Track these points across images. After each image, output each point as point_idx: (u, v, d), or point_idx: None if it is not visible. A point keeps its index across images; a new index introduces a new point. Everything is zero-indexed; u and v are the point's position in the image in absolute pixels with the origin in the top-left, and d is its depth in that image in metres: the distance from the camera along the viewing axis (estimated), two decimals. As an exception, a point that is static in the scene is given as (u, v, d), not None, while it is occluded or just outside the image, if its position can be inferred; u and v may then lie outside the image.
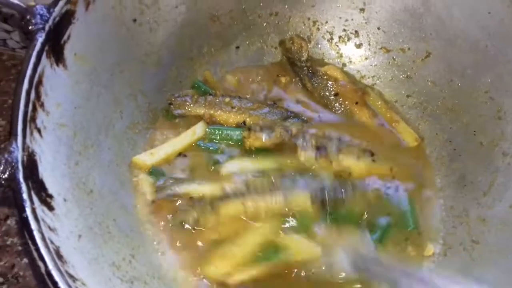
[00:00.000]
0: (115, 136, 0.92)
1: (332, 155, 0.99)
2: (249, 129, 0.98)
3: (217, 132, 1.00)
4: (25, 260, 0.99)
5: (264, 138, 0.97)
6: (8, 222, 1.03)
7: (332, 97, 1.10)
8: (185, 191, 0.95)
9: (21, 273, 0.97)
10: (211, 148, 1.00)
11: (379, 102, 1.11)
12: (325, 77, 1.11)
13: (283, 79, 1.12)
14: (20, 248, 1.00)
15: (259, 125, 0.99)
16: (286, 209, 0.90)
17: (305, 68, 1.12)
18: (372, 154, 1.03)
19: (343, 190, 0.93)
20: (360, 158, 0.99)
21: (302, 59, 1.12)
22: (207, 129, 1.00)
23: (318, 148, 0.98)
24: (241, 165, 0.96)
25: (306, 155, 0.98)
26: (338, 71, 1.12)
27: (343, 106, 1.09)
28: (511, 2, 0.93)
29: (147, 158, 0.95)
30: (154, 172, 0.96)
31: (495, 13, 0.96)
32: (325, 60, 1.18)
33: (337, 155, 0.99)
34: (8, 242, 1.01)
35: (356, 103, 1.09)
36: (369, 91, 1.12)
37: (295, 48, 1.12)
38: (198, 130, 1.00)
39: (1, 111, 1.20)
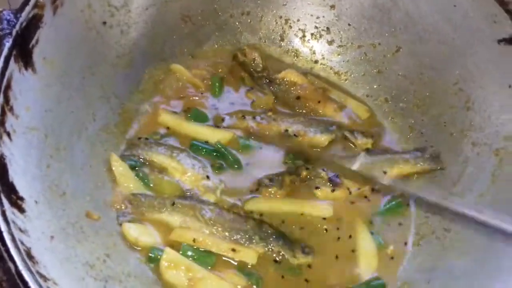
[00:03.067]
0: (88, 138, 0.92)
1: (348, 181, 0.99)
2: (259, 184, 0.97)
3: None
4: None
5: (276, 189, 0.96)
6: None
7: (295, 100, 1.10)
8: (151, 158, 0.96)
9: (5, 278, 0.97)
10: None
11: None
12: (284, 82, 1.11)
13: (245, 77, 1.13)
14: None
15: (268, 177, 0.98)
16: (231, 257, 0.88)
17: (262, 77, 1.12)
18: (372, 136, 1.07)
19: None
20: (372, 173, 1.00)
21: (258, 69, 1.12)
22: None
23: (330, 180, 0.98)
24: (266, 204, 0.96)
25: (323, 193, 0.98)
26: (295, 74, 1.12)
27: (307, 107, 1.10)
28: (473, -7, 0.95)
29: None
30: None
31: (459, 6, 0.98)
32: (299, 56, 1.19)
33: (351, 178, 1.00)
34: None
35: (319, 101, 1.10)
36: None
37: (248, 59, 1.13)
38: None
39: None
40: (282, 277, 0.88)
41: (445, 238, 0.92)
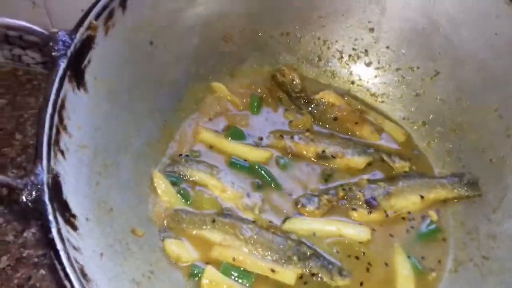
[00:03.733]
0: (133, 154, 0.94)
1: (384, 203, 1.00)
2: (297, 204, 0.99)
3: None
4: (42, 271, 1.01)
5: (313, 209, 0.98)
6: (25, 234, 1.06)
7: (332, 121, 1.12)
8: (191, 174, 0.99)
9: (37, 284, 1.00)
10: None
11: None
12: (322, 103, 1.12)
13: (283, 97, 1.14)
14: (36, 260, 1.03)
15: (305, 197, 0.99)
16: (269, 277, 0.89)
17: (300, 98, 1.13)
18: (409, 159, 1.07)
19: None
20: (409, 196, 1.01)
21: (296, 90, 1.14)
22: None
23: (367, 202, 0.99)
24: (303, 224, 0.97)
25: (359, 215, 0.99)
26: (333, 96, 1.13)
27: (344, 128, 1.11)
28: (518, 25, 0.96)
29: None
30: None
31: (502, 34, 0.98)
32: (336, 77, 1.20)
33: (388, 201, 1.00)
34: (25, 254, 1.04)
35: (356, 123, 1.11)
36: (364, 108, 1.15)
37: (287, 80, 1.14)
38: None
39: (17, 126, 1.24)
40: (319, 298, 0.90)
41: (484, 266, 0.92)
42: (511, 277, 0.87)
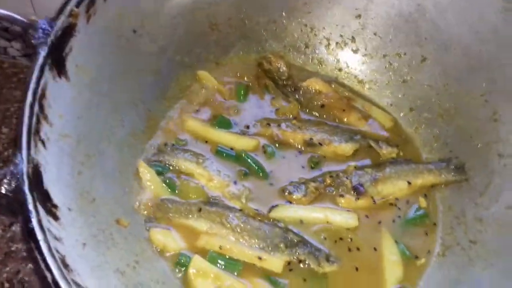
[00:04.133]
0: (116, 144, 0.93)
1: (372, 190, 0.99)
2: (284, 192, 0.98)
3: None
4: (30, 265, 1.00)
5: (300, 196, 0.97)
6: (13, 228, 1.05)
7: (319, 109, 1.11)
8: (177, 164, 0.98)
9: (26, 278, 0.99)
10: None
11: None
12: (309, 90, 1.12)
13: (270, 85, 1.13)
14: (25, 254, 1.02)
15: (292, 185, 0.99)
16: (257, 265, 0.89)
17: (287, 85, 1.13)
18: (397, 146, 1.07)
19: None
20: (396, 182, 1.01)
21: (283, 77, 1.13)
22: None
23: (355, 189, 0.99)
24: (290, 212, 0.96)
25: (347, 201, 0.99)
26: (320, 83, 1.12)
27: (331, 116, 1.11)
28: (502, 8, 0.95)
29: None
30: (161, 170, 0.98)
31: (487, 19, 0.98)
32: (323, 64, 1.20)
33: (375, 187, 1.00)
34: (13, 248, 1.03)
35: (343, 110, 1.11)
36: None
37: (273, 67, 1.13)
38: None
39: (4, 119, 1.22)
40: (307, 284, 0.89)
41: (471, 250, 0.92)
42: (498, 261, 0.88)
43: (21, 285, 0.98)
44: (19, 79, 1.31)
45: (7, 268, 1.00)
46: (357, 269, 0.92)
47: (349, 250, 0.93)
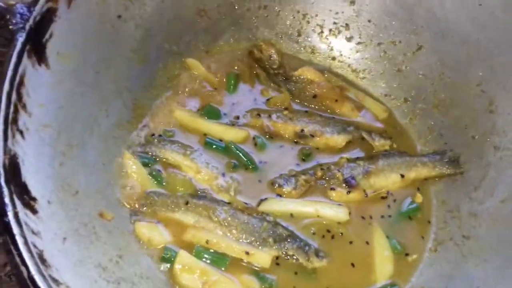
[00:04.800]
0: (100, 135, 0.90)
1: (364, 182, 0.97)
2: (273, 184, 0.96)
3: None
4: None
5: (290, 190, 0.95)
6: None
7: (311, 99, 1.08)
8: (164, 155, 0.95)
9: (14, 271, 0.96)
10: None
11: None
12: (301, 80, 1.08)
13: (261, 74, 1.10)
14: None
15: (282, 177, 0.96)
16: (244, 260, 0.87)
17: (279, 74, 1.09)
18: (390, 138, 1.04)
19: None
20: (389, 175, 0.98)
21: (274, 66, 1.09)
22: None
23: (346, 182, 0.96)
24: (280, 205, 0.94)
25: (338, 195, 0.96)
26: (313, 72, 1.09)
27: (323, 106, 1.08)
28: (502, -6, 0.92)
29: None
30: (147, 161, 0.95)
31: (485, 5, 0.95)
32: (316, 53, 1.16)
33: (367, 180, 0.97)
34: (0, 240, 1.00)
35: (336, 100, 1.07)
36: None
37: (264, 56, 1.09)
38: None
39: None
40: (296, 280, 0.87)
41: (464, 245, 0.90)
42: (491, 257, 0.86)
43: (9, 278, 0.96)
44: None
45: (-6, 261, 0.98)
46: (347, 264, 0.90)
47: (340, 244, 0.91)
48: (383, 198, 0.98)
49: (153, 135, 0.99)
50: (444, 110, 1.05)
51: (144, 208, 0.90)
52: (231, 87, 1.07)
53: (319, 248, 0.89)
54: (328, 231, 0.92)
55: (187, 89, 1.05)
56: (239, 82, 1.08)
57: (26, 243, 0.64)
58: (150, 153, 0.96)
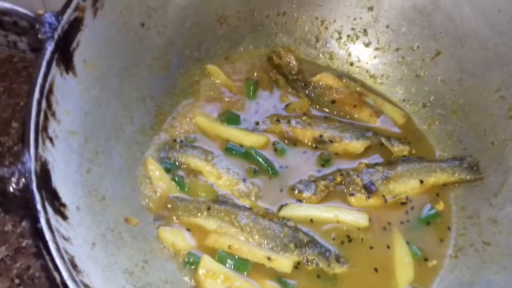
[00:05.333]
0: (125, 141, 0.92)
1: (383, 188, 0.97)
2: (293, 190, 0.97)
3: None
4: (41, 261, 0.99)
5: (310, 195, 0.96)
6: (23, 224, 1.04)
7: (330, 104, 1.09)
8: (186, 161, 0.96)
9: (36, 274, 0.98)
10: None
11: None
12: (319, 86, 1.09)
13: (280, 80, 1.11)
14: (35, 249, 1.01)
15: (302, 183, 0.97)
16: (266, 265, 0.88)
17: (297, 80, 1.10)
18: (409, 143, 1.05)
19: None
20: (408, 181, 0.99)
21: (293, 72, 1.11)
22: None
23: (365, 187, 0.97)
24: (300, 211, 0.95)
25: (357, 200, 0.97)
26: (331, 78, 1.10)
27: (342, 111, 1.09)
28: (522, 0, 0.92)
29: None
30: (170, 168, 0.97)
31: (504, 11, 0.95)
32: (334, 58, 1.17)
33: (387, 186, 0.98)
34: (24, 244, 1.02)
35: (355, 106, 1.08)
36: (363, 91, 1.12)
37: (283, 62, 1.11)
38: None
39: (14, 114, 1.21)
40: (316, 285, 0.88)
41: (484, 252, 0.90)
42: (511, 263, 0.86)
43: (32, 281, 0.98)
44: (28, 73, 1.29)
45: (17, 264, 0.99)
46: (367, 269, 0.90)
47: (360, 250, 0.92)
48: (402, 203, 0.98)
49: (175, 140, 1.00)
50: (463, 116, 1.05)
51: (167, 213, 0.91)
52: (251, 93, 1.08)
53: (340, 253, 0.90)
54: (348, 236, 0.93)
55: (207, 95, 1.06)
56: (258, 88, 1.10)
57: (58, 249, 0.65)
58: (172, 159, 0.97)
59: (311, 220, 0.94)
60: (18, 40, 1.28)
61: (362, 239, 0.93)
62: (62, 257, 0.65)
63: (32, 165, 0.68)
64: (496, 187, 0.96)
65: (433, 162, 1.02)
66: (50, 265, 0.64)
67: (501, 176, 0.96)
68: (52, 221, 0.67)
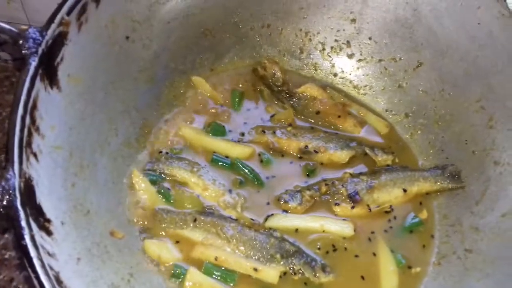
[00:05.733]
0: (110, 154, 0.92)
1: (367, 197, 0.99)
2: (279, 200, 0.97)
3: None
4: (24, 273, 0.99)
5: (296, 205, 0.96)
6: (6, 235, 1.03)
7: (315, 115, 1.10)
8: (172, 172, 0.97)
9: (20, 286, 0.98)
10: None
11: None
12: (304, 97, 1.11)
13: (265, 91, 1.12)
14: (18, 261, 1.00)
15: (287, 193, 0.98)
16: (252, 276, 0.89)
17: (282, 91, 1.12)
18: (392, 153, 1.06)
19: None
20: (392, 190, 1.00)
21: (278, 83, 1.12)
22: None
23: (350, 197, 0.98)
24: (286, 221, 0.95)
25: (342, 210, 0.98)
26: (316, 89, 1.12)
27: (326, 122, 1.10)
28: (499, 14, 0.94)
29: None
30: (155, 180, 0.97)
31: (484, 25, 0.97)
32: (318, 70, 1.19)
33: (371, 195, 0.99)
34: (7, 256, 1.02)
35: (339, 116, 1.10)
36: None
37: (268, 73, 1.12)
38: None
39: (-4, 123, 1.21)
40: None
41: (467, 259, 0.92)
42: (494, 270, 0.88)
43: (16, 293, 0.97)
44: (11, 83, 1.29)
45: (1, 276, 0.99)
46: (353, 278, 0.91)
47: (345, 259, 0.93)
48: (386, 212, 1.00)
49: (160, 152, 1.00)
50: (445, 126, 1.07)
51: (153, 226, 0.91)
52: (236, 104, 1.09)
53: (326, 263, 0.91)
54: (334, 246, 0.94)
55: (192, 107, 1.07)
56: (244, 99, 1.10)
57: (43, 265, 0.65)
58: (158, 171, 0.97)
59: (297, 230, 0.95)
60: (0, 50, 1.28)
61: (347, 248, 0.94)
62: (47, 274, 0.65)
63: (16, 182, 0.68)
64: (478, 196, 0.97)
65: (416, 171, 1.03)
66: (35, 282, 0.64)
67: (482, 185, 0.97)
68: (37, 238, 0.67)
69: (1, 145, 1.15)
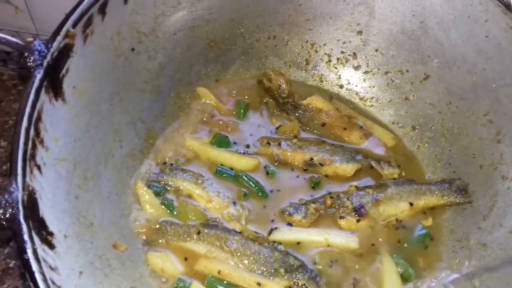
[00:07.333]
0: (114, 166, 0.92)
1: (373, 211, 0.97)
2: (284, 213, 0.97)
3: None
4: (28, 283, 0.99)
5: (300, 218, 0.96)
6: (11, 244, 1.03)
7: (320, 127, 1.09)
8: (176, 184, 0.96)
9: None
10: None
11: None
12: (309, 109, 1.10)
13: (270, 103, 1.12)
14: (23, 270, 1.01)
15: (292, 206, 0.97)
16: None
17: (288, 103, 1.11)
18: (399, 166, 1.05)
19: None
20: (398, 203, 0.99)
21: (283, 95, 1.11)
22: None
23: (356, 210, 0.97)
24: (290, 234, 0.94)
25: (348, 223, 0.97)
26: (321, 101, 1.11)
27: (332, 134, 1.09)
28: (508, 27, 0.93)
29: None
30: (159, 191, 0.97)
31: (492, 37, 0.96)
32: (324, 81, 1.18)
33: (377, 208, 0.98)
34: (11, 265, 1.02)
35: (344, 128, 1.09)
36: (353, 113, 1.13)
37: (274, 85, 1.11)
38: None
39: (2, 132, 1.21)
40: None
41: (474, 276, 0.90)
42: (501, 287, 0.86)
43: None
44: (18, 91, 1.30)
45: (5, 285, 0.99)
46: (359, 292, 0.90)
47: (350, 273, 0.92)
48: (392, 226, 0.98)
49: (165, 163, 1.00)
50: (452, 139, 1.06)
51: (157, 238, 0.91)
52: (241, 115, 1.09)
53: (330, 278, 0.90)
54: (339, 260, 0.93)
55: (198, 118, 1.07)
56: (249, 110, 1.10)
57: (45, 279, 0.65)
58: (162, 182, 0.97)
59: (301, 244, 0.94)
60: (7, 58, 1.29)
61: (352, 262, 0.93)
62: (48, 288, 0.64)
63: (19, 195, 0.67)
64: (485, 211, 0.96)
65: (422, 185, 1.02)
66: (36, 296, 0.64)
67: (490, 200, 0.96)
68: (39, 251, 0.67)
69: (8, 153, 1.16)
